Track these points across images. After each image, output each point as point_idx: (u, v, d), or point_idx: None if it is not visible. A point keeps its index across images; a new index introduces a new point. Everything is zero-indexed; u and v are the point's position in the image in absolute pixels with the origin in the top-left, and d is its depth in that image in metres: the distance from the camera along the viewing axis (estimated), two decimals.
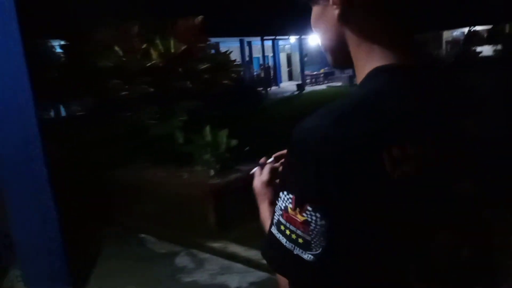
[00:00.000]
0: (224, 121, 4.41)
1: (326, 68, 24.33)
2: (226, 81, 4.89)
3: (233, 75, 4.95)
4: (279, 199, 0.56)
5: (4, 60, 2.64)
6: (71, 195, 3.26)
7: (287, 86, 21.84)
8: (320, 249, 0.52)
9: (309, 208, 0.52)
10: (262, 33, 19.51)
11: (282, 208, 0.55)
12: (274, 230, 0.57)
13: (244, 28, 17.09)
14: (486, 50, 18.57)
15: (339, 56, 0.64)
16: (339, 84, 21.38)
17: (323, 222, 0.51)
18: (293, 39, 22.86)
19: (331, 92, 18.10)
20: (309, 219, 0.52)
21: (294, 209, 0.53)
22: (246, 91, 10.59)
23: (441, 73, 0.66)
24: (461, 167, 0.58)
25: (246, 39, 20.18)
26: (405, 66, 0.59)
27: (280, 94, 18.54)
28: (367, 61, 0.60)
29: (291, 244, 0.54)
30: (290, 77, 25.14)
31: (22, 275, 3.00)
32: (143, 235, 4.24)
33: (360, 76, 0.61)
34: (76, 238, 3.31)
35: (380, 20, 0.59)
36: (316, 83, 22.18)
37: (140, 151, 4.79)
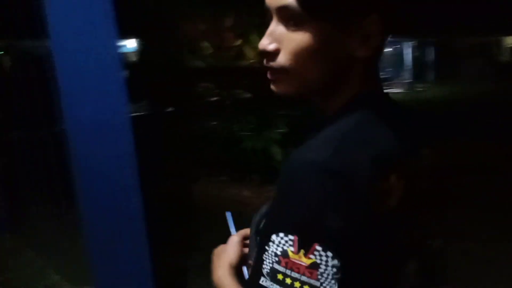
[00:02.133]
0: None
1: (381, 73, 23.18)
2: None
3: None
4: (270, 244, 0.48)
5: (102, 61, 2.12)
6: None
7: None
8: None
9: (317, 248, 0.46)
10: None
11: (278, 253, 0.48)
12: (266, 282, 0.48)
13: None
14: None
15: (322, 80, 0.57)
16: (398, 90, 20.08)
17: (335, 261, 0.46)
18: None
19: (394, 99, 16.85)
20: (318, 261, 0.46)
21: (297, 252, 0.47)
22: None
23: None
24: (424, 198, 0.58)
25: None
26: (382, 93, 0.61)
27: None
28: (351, 85, 0.58)
29: None
30: None
31: None
32: None
33: (335, 101, 0.59)
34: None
35: (380, 42, 0.57)
36: None
37: (228, 164, 4.17)
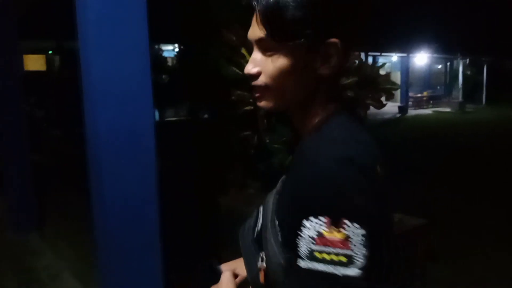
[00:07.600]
0: None
1: (429, 90, 22.24)
2: (371, 102, 3.81)
3: (383, 95, 3.81)
4: (304, 228, 0.57)
5: (131, 65, 2.03)
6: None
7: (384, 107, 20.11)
8: (363, 259, 0.55)
9: (346, 222, 0.55)
10: (366, 49, 18.12)
11: (314, 235, 0.56)
12: (305, 263, 0.56)
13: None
14: None
15: (297, 97, 0.69)
16: (447, 110, 19.15)
17: (362, 231, 0.55)
18: (394, 56, 21.15)
19: (442, 119, 16.05)
20: (349, 233, 0.55)
21: (330, 231, 0.55)
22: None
23: None
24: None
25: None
26: (350, 110, 0.72)
27: (380, 115, 17.04)
28: (320, 101, 0.69)
29: (332, 266, 0.55)
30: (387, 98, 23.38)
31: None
32: None
33: (310, 118, 0.69)
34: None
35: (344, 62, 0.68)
36: (419, 106, 20.13)
37: (257, 177, 4.03)
